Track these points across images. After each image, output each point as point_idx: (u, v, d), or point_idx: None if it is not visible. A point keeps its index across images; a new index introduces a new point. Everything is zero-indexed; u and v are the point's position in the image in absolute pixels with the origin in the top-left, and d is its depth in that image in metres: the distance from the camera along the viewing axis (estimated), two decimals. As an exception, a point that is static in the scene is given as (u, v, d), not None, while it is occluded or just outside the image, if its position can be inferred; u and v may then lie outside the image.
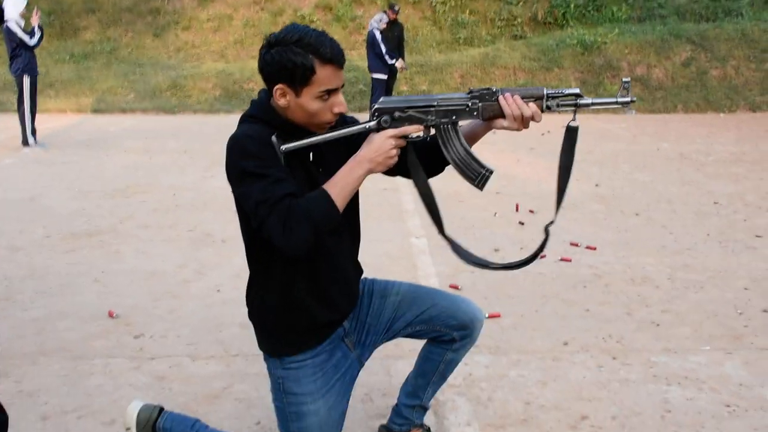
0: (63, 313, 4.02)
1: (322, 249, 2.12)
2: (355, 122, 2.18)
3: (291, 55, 1.95)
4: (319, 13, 18.60)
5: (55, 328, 3.81)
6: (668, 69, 14.89)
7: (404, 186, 7.15)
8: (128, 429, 2.42)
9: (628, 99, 2.03)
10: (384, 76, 11.98)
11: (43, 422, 2.86)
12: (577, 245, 5.23)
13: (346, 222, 2.21)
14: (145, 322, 3.88)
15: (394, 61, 11.74)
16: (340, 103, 2.06)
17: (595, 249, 5.15)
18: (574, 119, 2.10)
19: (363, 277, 2.43)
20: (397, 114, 2.09)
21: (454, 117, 2.12)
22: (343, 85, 2.07)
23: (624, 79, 2.05)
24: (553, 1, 17.63)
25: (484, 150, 8.17)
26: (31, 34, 9.70)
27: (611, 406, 2.98)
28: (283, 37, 1.99)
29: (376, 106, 2.10)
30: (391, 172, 2.20)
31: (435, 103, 2.11)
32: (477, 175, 2.16)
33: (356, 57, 14.77)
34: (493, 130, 2.18)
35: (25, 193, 7.06)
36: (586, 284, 4.46)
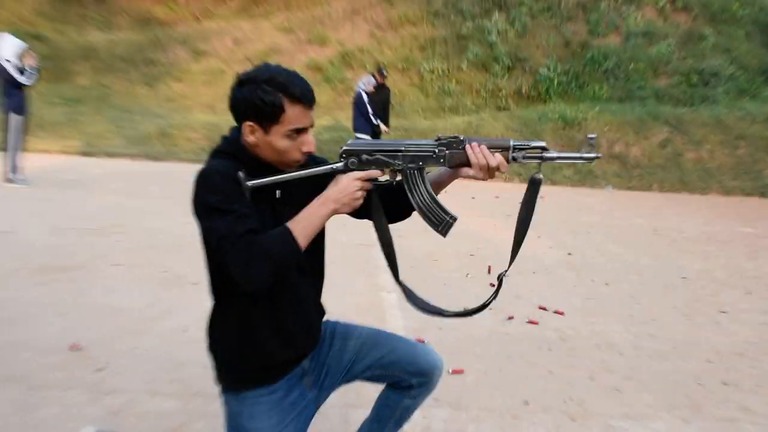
0: (25, 343, 3.96)
1: (285, 284, 2.12)
2: (324, 162, 2.19)
3: (261, 93, 1.98)
4: (309, 73, 18.81)
5: (16, 357, 3.76)
6: (645, 148, 15.09)
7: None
8: None
9: (593, 155, 2.05)
10: (367, 136, 12.08)
11: (-7, 449, 2.82)
12: (545, 309, 5.22)
13: (311, 260, 2.22)
14: (107, 356, 3.82)
15: (377, 122, 11.89)
16: (308, 142, 2.08)
17: (562, 314, 5.14)
18: (538, 172, 2.10)
19: (326, 319, 2.42)
20: (364, 157, 2.11)
21: (420, 163, 2.13)
22: (312, 125, 2.09)
23: (589, 135, 2.07)
24: (538, 77, 17.94)
25: (463, 215, 8.27)
26: (23, 72, 9.77)
27: (566, 468, 2.96)
28: (254, 75, 2.02)
29: (344, 148, 2.12)
30: (357, 214, 2.22)
31: (402, 148, 2.13)
32: (441, 221, 2.17)
33: (343, 118, 14.89)
34: (460, 179, 2.19)
35: (2, 226, 7.00)
36: (551, 347, 4.45)
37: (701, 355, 4.49)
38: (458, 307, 4.89)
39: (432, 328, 4.59)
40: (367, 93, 12.00)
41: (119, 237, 6.86)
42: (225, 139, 2.15)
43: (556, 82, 17.82)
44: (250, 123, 2.03)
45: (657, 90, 17.51)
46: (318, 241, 2.20)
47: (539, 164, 2.11)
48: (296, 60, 19.13)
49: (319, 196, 2.06)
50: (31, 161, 11.71)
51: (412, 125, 15.90)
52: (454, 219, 2.18)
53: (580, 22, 19.67)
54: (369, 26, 20.82)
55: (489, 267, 6.30)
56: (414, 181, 2.15)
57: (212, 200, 1.96)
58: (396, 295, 5.27)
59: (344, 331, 2.43)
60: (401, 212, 2.30)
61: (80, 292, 4.98)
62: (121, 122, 16.22)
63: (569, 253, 7.41)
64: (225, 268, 1.94)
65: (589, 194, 13.05)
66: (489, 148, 2.07)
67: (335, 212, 2.05)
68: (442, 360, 2.48)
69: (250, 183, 1.99)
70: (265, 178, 2.04)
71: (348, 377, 2.40)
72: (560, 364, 4.17)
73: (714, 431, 3.41)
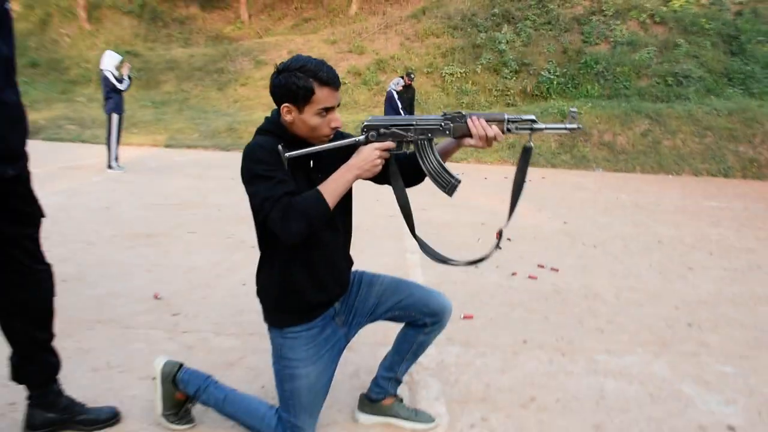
0: (119, 293, 4.03)
1: (318, 240, 2.13)
2: (349, 136, 2.19)
3: (295, 79, 2.00)
4: (350, 77, 18.83)
5: (111, 303, 3.83)
6: (630, 137, 14.90)
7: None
8: (154, 378, 2.42)
9: (575, 125, 2.03)
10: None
11: (93, 373, 2.89)
12: (543, 267, 5.19)
13: (340, 219, 2.22)
14: (182, 304, 3.88)
15: (405, 116, 11.86)
16: (336, 119, 2.09)
17: (557, 271, 5.10)
18: (529, 141, 2.10)
19: (354, 269, 2.43)
20: (382, 130, 2.12)
21: (429, 134, 2.13)
22: (339, 104, 2.09)
23: (571, 109, 2.05)
24: (540, 78, 17.77)
25: (477, 192, 8.19)
26: (121, 80, 9.88)
27: (556, 392, 2.94)
28: (288, 65, 2.04)
29: (365, 123, 2.13)
30: (377, 180, 2.22)
31: (414, 123, 2.13)
32: (447, 183, 2.16)
33: (378, 113, 14.82)
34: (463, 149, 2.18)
35: (104, 203, 7.11)
36: (547, 297, 4.42)
37: (670, 302, 4.44)
38: (474, 268, 4.96)
39: (447, 282, 4.58)
40: (396, 92, 11.98)
41: (194, 210, 6.93)
42: (267, 119, 2.17)
43: (555, 83, 17.64)
44: (287, 104, 2.04)
45: (639, 89, 17.28)
46: (345, 202, 2.21)
47: (530, 134, 2.09)
48: (339, 66, 19.08)
49: (344, 164, 2.07)
50: (127, 152, 11.90)
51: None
52: (458, 181, 2.17)
53: (576, 33, 19.44)
54: (399, 38, 20.71)
55: (497, 233, 6.25)
56: (424, 150, 2.15)
57: (256, 169, 2.00)
58: (418, 256, 5.27)
59: (369, 279, 2.43)
60: (414, 178, 2.28)
61: (162, 254, 5.06)
62: (197, 120, 16.35)
63: (565, 222, 7.33)
64: (268, 224, 1.98)
65: (583, 175, 12.89)
66: (487, 120, 2.07)
67: (358, 177, 2.07)
68: (451, 303, 2.47)
69: (287, 154, 2.01)
70: (300, 150, 2.05)
71: (372, 317, 2.41)
72: (554, 310, 4.14)
73: (678, 363, 3.37)
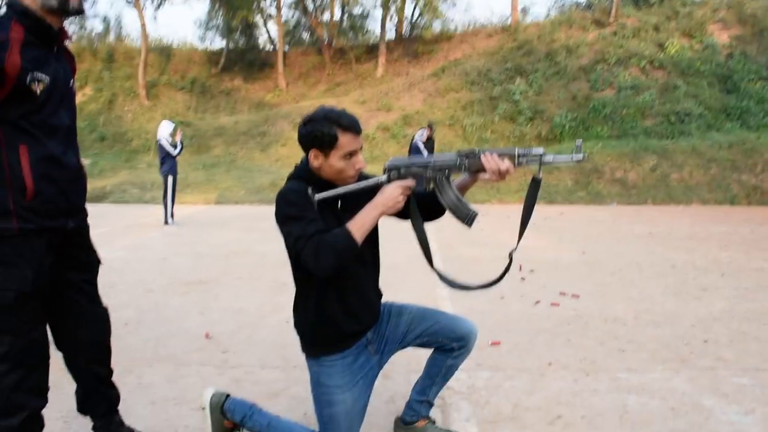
0: (174, 334, 4.03)
1: (349, 274, 2.11)
2: (372, 177, 2.19)
3: (319, 127, 2.01)
4: (379, 132, 19.03)
5: (167, 343, 3.83)
6: (640, 173, 14.76)
7: (436, 251, 7.11)
8: (203, 408, 2.39)
9: (581, 156, 1.98)
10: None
11: (151, 405, 2.88)
12: (564, 294, 5.08)
13: (369, 253, 2.20)
14: (231, 342, 3.86)
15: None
16: (359, 162, 2.09)
17: (578, 297, 4.99)
18: (539, 173, 2.06)
19: (383, 300, 2.39)
20: (403, 170, 2.11)
21: (447, 171, 2.11)
22: (361, 148, 2.09)
23: (577, 141, 2.01)
24: (553, 124, 17.79)
25: (499, 229, 8.11)
26: (175, 146, 10.10)
27: (581, 409, 2.83)
28: (313, 116, 2.05)
29: (387, 165, 2.12)
30: (400, 215, 2.21)
31: (431, 162, 2.11)
32: (465, 215, 2.14)
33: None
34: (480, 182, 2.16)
35: (161, 254, 7.19)
36: (569, 322, 4.30)
37: (686, 322, 4.29)
38: (500, 299, 4.87)
39: (475, 312, 4.49)
40: (422, 141, 12.07)
41: (241, 259, 6.95)
42: (296, 166, 2.18)
43: (567, 127, 17.63)
44: (314, 150, 2.05)
45: (645, 128, 17.19)
46: (373, 237, 2.19)
47: (539, 166, 2.05)
48: (369, 123, 19.32)
49: (369, 203, 2.06)
50: (181, 210, 12.11)
51: (457, 167, 15.82)
52: (476, 213, 2.15)
53: (583, 81, 19.46)
54: (423, 95, 20.91)
55: (520, 266, 6.18)
56: (442, 186, 2.13)
57: (289, 211, 2.01)
58: (447, 290, 5.19)
59: (398, 308, 2.39)
60: (434, 212, 2.27)
61: (213, 298, 5.06)
62: (243, 179, 16.58)
63: (583, 253, 7.20)
64: (301, 261, 1.97)
65: (598, 210, 12.75)
66: (499, 156, 2.04)
67: (383, 214, 2.05)
68: (476, 328, 2.42)
69: (317, 196, 2.02)
70: (328, 192, 2.05)
71: (403, 344, 2.36)
72: (577, 334, 4.03)
73: (697, 377, 3.24)
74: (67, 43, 2.13)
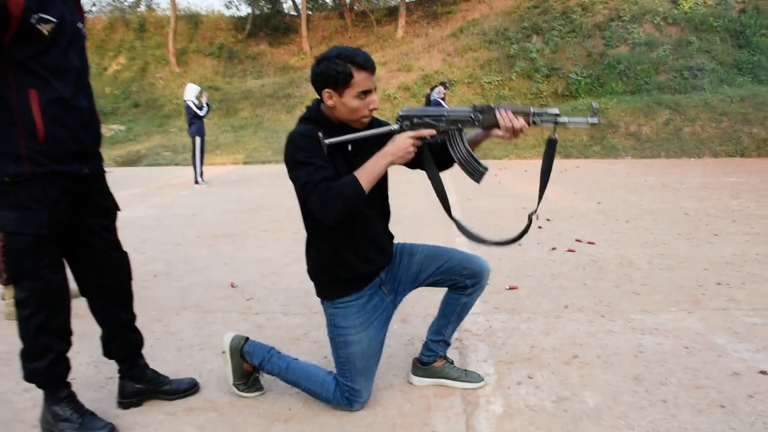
0: (200, 283, 3.97)
1: (359, 217, 2.01)
2: (386, 124, 2.06)
3: (334, 66, 1.88)
4: (400, 92, 18.71)
5: (194, 292, 3.77)
6: (653, 127, 14.37)
7: (456, 204, 6.97)
8: (223, 352, 2.32)
9: (596, 120, 1.87)
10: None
11: (177, 351, 2.82)
12: (580, 241, 4.93)
13: (376, 198, 2.08)
14: (255, 290, 3.79)
15: None
16: (373, 102, 1.97)
17: (594, 244, 4.83)
18: (554, 134, 1.95)
19: (395, 241, 2.28)
20: (415, 120, 1.99)
21: (459, 125, 1.99)
22: (375, 88, 1.96)
23: (593, 105, 1.88)
24: (569, 80, 17.29)
25: (517, 182, 7.95)
26: (201, 108, 9.99)
27: (597, 349, 2.71)
28: (327, 54, 1.92)
29: (400, 114, 2.00)
30: (411, 166, 2.10)
31: (445, 114, 1.99)
32: (475, 171, 2.03)
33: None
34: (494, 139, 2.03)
35: (190, 211, 7.15)
36: (585, 267, 4.16)
37: (699, 265, 4.13)
38: (517, 246, 4.75)
39: (492, 259, 4.34)
40: (440, 98, 11.79)
41: (266, 213, 6.88)
42: (308, 108, 2.06)
43: (583, 83, 17.11)
44: (328, 90, 1.92)
45: (659, 83, 16.65)
46: (382, 185, 2.09)
47: (554, 127, 1.93)
48: (390, 84, 19.01)
49: (379, 151, 1.94)
50: (211, 171, 12.10)
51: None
52: (486, 169, 2.03)
53: (598, 38, 18.84)
54: (442, 55, 20.44)
55: (537, 215, 6.00)
56: (454, 139, 2.01)
57: (297, 155, 1.89)
58: (465, 239, 5.07)
59: (410, 248, 2.28)
60: (445, 164, 2.14)
61: (239, 249, 4.99)
62: (270, 140, 16.47)
63: (598, 203, 7.00)
64: (308, 207, 1.88)
65: (613, 163, 12.46)
66: (514, 113, 1.91)
67: (392, 163, 1.94)
68: (488, 264, 2.30)
69: (327, 141, 1.89)
70: (339, 137, 1.93)
71: (416, 284, 2.26)
72: (592, 278, 3.89)
73: (710, 317, 3.10)
74: None
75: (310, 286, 2.15)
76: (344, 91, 1.91)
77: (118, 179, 11.45)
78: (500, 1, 23.32)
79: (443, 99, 11.83)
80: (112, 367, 2.41)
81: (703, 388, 2.29)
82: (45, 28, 1.81)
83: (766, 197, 7.24)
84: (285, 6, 29.05)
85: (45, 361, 1.97)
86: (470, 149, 2.01)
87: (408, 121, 1.98)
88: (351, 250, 2.05)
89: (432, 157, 2.06)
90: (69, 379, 2.10)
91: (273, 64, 24.46)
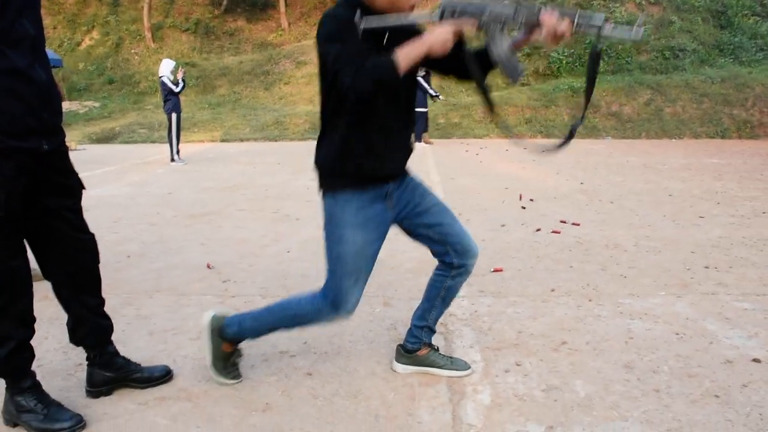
0: (176, 265, 3.83)
1: (378, 112, 1.90)
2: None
3: None
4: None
5: (169, 274, 3.63)
6: (634, 107, 14.38)
7: (437, 184, 6.88)
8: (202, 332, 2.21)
9: (640, 34, 1.71)
10: (425, 110, 11.73)
11: (150, 336, 2.70)
12: (565, 222, 4.86)
13: (403, 99, 1.99)
14: (231, 272, 3.66)
15: (438, 96, 11.63)
16: None
17: (579, 225, 4.76)
18: (597, 45, 1.81)
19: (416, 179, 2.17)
20: (458, 10, 1.85)
21: (503, 19, 1.85)
22: None
23: (639, 18, 1.75)
24: (550, 59, 17.14)
25: (499, 162, 7.85)
26: (176, 84, 9.72)
27: (586, 335, 2.64)
28: None
29: (441, 3, 1.86)
30: (445, 66, 2.02)
31: (488, 8, 1.85)
32: (514, 70, 1.88)
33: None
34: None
35: (166, 189, 6.96)
36: (571, 248, 4.10)
37: (686, 248, 4.08)
38: (500, 227, 4.66)
39: (476, 240, 4.23)
40: (422, 76, 11.60)
41: (244, 191, 6.71)
42: None
43: (564, 62, 16.94)
44: None
45: (640, 63, 16.61)
46: (410, 81, 1.99)
47: (597, 37, 1.77)
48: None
49: (417, 39, 1.81)
50: (188, 148, 11.85)
51: (458, 101, 15.43)
52: (525, 69, 1.93)
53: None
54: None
55: (520, 195, 5.95)
56: (494, 36, 1.86)
57: (331, 30, 1.79)
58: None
59: (425, 191, 2.14)
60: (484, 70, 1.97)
61: (215, 229, 4.84)
62: (248, 117, 16.16)
63: (581, 183, 6.94)
64: (337, 81, 1.74)
65: (594, 143, 12.46)
66: (559, 15, 1.77)
67: (429, 53, 1.79)
68: (478, 250, 2.19)
69: (364, 23, 1.79)
70: (377, 20, 1.81)
71: (412, 225, 2.12)
72: (578, 260, 3.82)
73: (699, 302, 3.04)
74: None
75: (290, 268, 2.02)
76: None
77: (92, 157, 11.18)
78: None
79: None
80: (81, 354, 2.27)
81: (696, 376, 2.23)
82: None
83: (749, 179, 7.24)
84: (263, -20, 28.47)
85: (5, 349, 1.85)
86: (511, 47, 1.87)
87: (449, 12, 1.86)
88: (364, 145, 1.92)
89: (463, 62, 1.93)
90: (34, 367, 1.98)
91: (251, 41, 23.99)
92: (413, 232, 2.15)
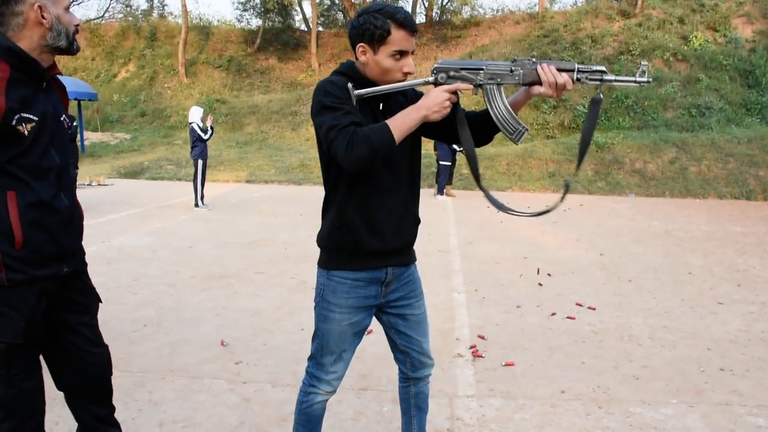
0: (190, 339, 3.86)
1: (378, 183, 1.89)
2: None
3: (372, 20, 1.80)
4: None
5: (182, 351, 3.66)
6: (659, 165, 14.29)
7: (456, 249, 6.87)
8: None
9: (645, 79, 1.74)
10: (449, 163, 11.78)
11: (160, 428, 2.71)
12: (581, 305, 4.80)
13: (405, 166, 1.97)
14: (245, 351, 3.67)
15: (460, 150, 11.69)
16: (409, 65, 1.86)
17: (594, 309, 4.70)
18: (599, 93, 1.81)
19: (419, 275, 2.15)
20: (452, 73, 1.85)
21: (499, 79, 1.85)
22: (413, 52, 1.86)
23: (642, 63, 1.74)
24: (576, 112, 17.21)
25: (520, 222, 7.77)
26: (205, 131, 9.92)
27: (593, 450, 2.61)
28: (368, 8, 1.84)
29: (435, 66, 1.87)
30: (442, 131, 1.98)
31: (484, 67, 1.85)
32: (515, 130, 1.88)
33: (430, 149, 14.35)
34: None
35: (187, 242, 7.04)
36: (585, 339, 4.04)
37: (702, 343, 4.01)
38: (515, 308, 4.63)
39: (490, 324, 4.27)
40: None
41: (264, 249, 6.75)
42: (342, 63, 1.95)
43: (589, 117, 17.06)
44: (362, 44, 1.84)
45: (666, 120, 16.59)
46: (413, 150, 1.99)
47: (599, 86, 1.80)
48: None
49: (413, 104, 1.82)
50: (213, 189, 12.01)
51: (481, 152, 15.41)
52: (526, 129, 1.89)
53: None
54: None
55: (538, 269, 5.91)
56: (493, 95, 1.86)
57: (325, 101, 1.79)
58: (464, 296, 4.97)
59: (415, 292, 2.11)
60: (483, 137, 2.00)
61: (232, 296, 4.87)
62: (274, 158, 16.38)
63: (601, 254, 6.87)
64: (332, 151, 1.76)
65: (617, 201, 12.37)
66: (557, 69, 1.79)
67: (426, 118, 1.79)
68: (434, 362, 2.22)
69: (356, 92, 1.81)
70: (370, 88, 1.84)
71: (387, 322, 2.11)
72: (591, 354, 3.77)
73: (712, 415, 2.98)
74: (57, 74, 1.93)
75: (302, 349, 2.00)
76: (379, 48, 1.81)
77: (119, 195, 11.40)
78: (510, 27, 23.37)
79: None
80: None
81: None
82: (26, 128, 1.72)
83: (771, 254, 7.13)
84: (296, 19, 29.12)
85: None
86: (510, 107, 1.87)
87: (444, 74, 1.85)
88: (362, 218, 1.90)
89: (469, 128, 1.93)
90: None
91: (281, 80, 24.45)
92: (383, 326, 2.14)
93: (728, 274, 6.03)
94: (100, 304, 2.10)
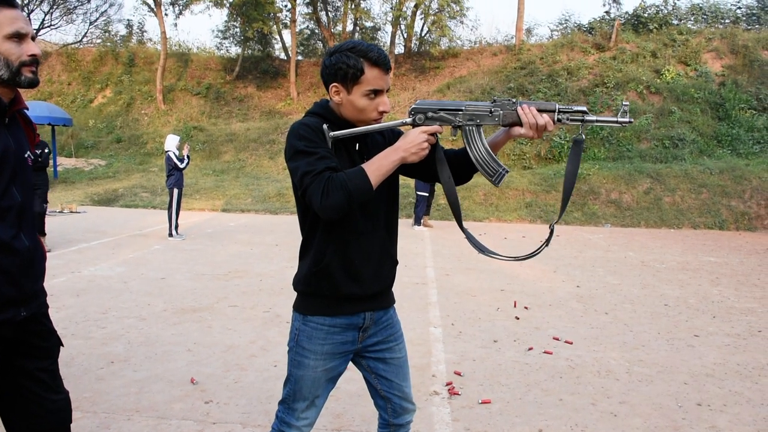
0: (159, 376, 3.75)
1: (355, 229, 1.84)
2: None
3: (345, 59, 1.75)
4: (384, 147, 18.68)
5: (150, 389, 3.54)
6: (634, 195, 14.49)
7: (432, 281, 6.82)
8: None
9: (626, 120, 1.72)
10: (426, 194, 11.79)
11: (121, 475, 2.59)
12: (558, 339, 4.77)
13: (382, 210, 1.91)
14: (216, 389, 3.57)
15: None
16: (384, 103, 1.82)
17: (571, 343, 4.68)
18: (580, 133, 1.78)
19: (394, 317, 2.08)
20: (430, 114, 1.82)
21: (478, 120, 1.82)
22: (388, 90, 1.81)
23: (624, 102, 1.72)
24: (552, 144, 17.42)
25: (497, 250, 7.72)
26: (182, 160, 9.83)
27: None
28: (340, 46, 1.79)
29: (413, 107, 1.83)
30: (422, 171, 1.93)
31: (463, 108, 1.82)
32: (494, 172, 1.84)
33: (410, 180, 14.45)
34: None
35: (160, 273, 6.91)
36: (562, 375, 4.01)
37: (679, 377, 4.00)
38: (492, 342, 4.58)
39: (467, 360, 4.21)
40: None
41: (238, 281, 6.64)
42: (316, 103, 1.91)
43: (566, 147, 17.23)
44: (336, 84, 1.78)
45: (640, 151, 16.88)
46: (390, 195, 1.94)
47: (581, 126, 1.78)
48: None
49: (390, 146, 1.77)
50: (188, 218, 11.86)
51: (458, 183, 15.55)
52: (506, 170, 1.85)
53: (582, 103, 19.12)
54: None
55: (515, 302, 5.88)
56: (472, 137, 1.83)
57: (298, 145, 1.74)
58: (440, 329, 4.92)
59: (395, 335, 2.05)
60: (462, 176, 1.96)
61: (204, 331, 4.74)
62: (251, 186, 16.28)
63: (578, 286, 6.89)
64: (307, 198, 1.71)
65: (593, 231, 12.47)
66: (538, 110, 1.76)
67: (403, 160, 1.75)
68: (416, 407, 2.14)
69: (332, 134, 1.76)
70: (346, 130, 1.79)
71: (366, 367, 2.04)
72: (569, 391, 3.73)
73: (694, 458, 2.96)
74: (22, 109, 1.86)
75: (274, 387, 1.93)
76: (353, 87, 1.77)
77: (91, 223, 11.20)
78: (487, 59, 23.69)
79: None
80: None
81: None
82: None
83: (745, 285, 7.21)
84: (276, 47, 29.22)
85: None
86: (489, 148, 1.84)
87: (422, 115, 1.82)
88: (340, 263, 1.84)
89: (449, 168, 1.88)
90: None
91: (259, 108, 24.43)
92: (363, 371, 2.08)
93: (703, 305, 6.07)
94: (61, 347, 2.02)
